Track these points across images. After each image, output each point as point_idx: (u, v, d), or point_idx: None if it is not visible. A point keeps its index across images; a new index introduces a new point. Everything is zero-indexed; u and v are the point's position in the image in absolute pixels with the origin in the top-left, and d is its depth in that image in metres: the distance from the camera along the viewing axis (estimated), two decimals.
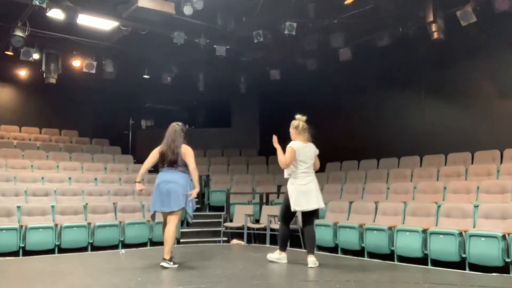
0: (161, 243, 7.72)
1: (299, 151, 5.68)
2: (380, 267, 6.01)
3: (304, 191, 5.68)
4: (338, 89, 11.89)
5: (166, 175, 5.58)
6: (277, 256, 5.99)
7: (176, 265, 5.60)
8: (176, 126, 5.77)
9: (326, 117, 12.37)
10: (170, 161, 5.57)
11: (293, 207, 5.64)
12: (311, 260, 5.56)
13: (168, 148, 5.60)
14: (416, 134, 10.23)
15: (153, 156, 5.69)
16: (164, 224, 5.70)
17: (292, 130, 5.87)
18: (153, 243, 8.79)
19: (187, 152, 5.62)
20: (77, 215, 8.87)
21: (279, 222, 6.07)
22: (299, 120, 5.87)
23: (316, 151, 5.87)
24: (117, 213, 9.30)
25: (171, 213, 5.58)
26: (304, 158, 5.73)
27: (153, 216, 5.77)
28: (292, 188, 5.72)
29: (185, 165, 5.64)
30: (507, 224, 6.52)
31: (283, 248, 5.98)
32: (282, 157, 5.66)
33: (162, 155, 5.63)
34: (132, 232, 8.71)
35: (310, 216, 5.80)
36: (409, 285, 4.68)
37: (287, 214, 5.85)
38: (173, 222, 5.57)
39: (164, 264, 5.47)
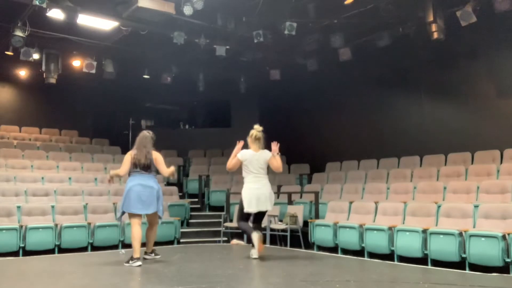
0: (161, 244, 7.75)
1: (247, 160, 6.08)
2: (380, 267, 6.00)
3: (256, 194, 5.99)
4: (338, 89, 11.90)
5: (142, 179, 5.76)
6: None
7: (158, 256, 6.10)
8: (146, 134, 6.00)
9: (326, 117, 12.40)
10: (144, 165, 5.79)
11: (246, 209, 5.98)
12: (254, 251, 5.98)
13: (140, 153, 5.81)
14: (416, 134, 10.23)
15: (128, 163, 5.85)
16: (137, 224, 5.83)
17: (248, 139, 6.25)
18: (153, 243, 8.77)
19: (157, 158, 5.89)
20: (77, 215, 8.87)
21: (238, 223, 6.36)
22: (255, 130, 6.22)
23: (267, 157, 6.14)
24: (117, 213, 9.27)
25: (153, 215, 5.87)
26: (253, 165, 6.08)
27: (120, 216, 6.00)
28: (245, 192, 6.06)
29: (156, 170, 5.92)
30: (507, 224, 6.52)
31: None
32: (229, 161, 6.16)
33: (135, 160, 5.81)
34: None
35: (261, 218, 6.16)
36: (409, 285, 4.68)
37: (242, 215, 6.13)
38: (155, 224, 6.01)
39: (146, 257, 5.99)
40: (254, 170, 6.08)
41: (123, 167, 5.86)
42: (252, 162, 6.08)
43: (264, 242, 9.04)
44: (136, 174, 5.80)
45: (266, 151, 6.17)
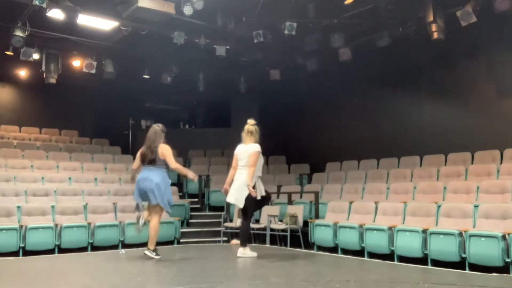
0: (160, 244, 7.78)
1: (238, 154, 6.27)
2: (380, 267, 6.00)
3: (233, 185, 6.18)
4: (338, 89, 11.90)
5: (145, 173, 6.08)
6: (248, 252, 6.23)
7: (157, 256, 6.05)
8: (156, 128, 6.27)
9: (326, 117, 12.40)
10: (150, 160, 6.06)
11: None
12: (239, 250, 6.14)
13: (148, 148, 6.12)
14: (416, 134, 10.23)
15: (138, 158, 6.27)
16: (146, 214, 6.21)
17: (242, 134, 6.36)
18: None
19: (164, 151, 6.07)
20: (77, 215, 8.87)
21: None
22: (248, 124, 6.33)
23: (250, 151, 6.12)
24: (117, 213, 9.30)
25: (154, 207, 6.07)
26: (242, 158, 6.18)
27: (137, 206, 6.24)
28: None
29: (164, 163, 6.10)
30: (507, 224, 6.52)
31: (244, 244, 6.27)
32: None
33: (143, 155, 6.14)
34: (132, 232, 8.65)
35: (243, 211, 6.23)
36: (409, 285, 4.68)
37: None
38: (155, 216, 6.09)
39: (146, 252, 6.06)
40: (241, 163, 6.17)
41: (134, 162, 6.35)
42: (241, 156, 6.19)
43: (264, 242, 9.12)
44: (144, 168, 6.11)
45: (253, 146, 6.15)
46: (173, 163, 6.06)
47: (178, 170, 6.25)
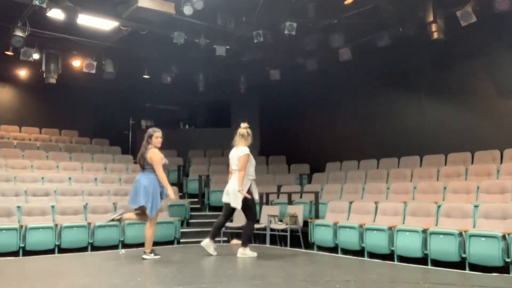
0: (160, 244, 7.79)
1: (230, 157, 6.38)
2: (380, 267, 6.00)
3: (228, 184, 6.28)
4: (338, 89, 11.90)
5: (138, 176, 6.20)
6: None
7: (157, 256, 6.13)
8: (148, 132, 6.34)
9: (326, 117, 12.40)
10: (140, 164, 6.21)
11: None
12: (239, 251, 6.21)
13: (139, 153, 6.26)
14: (416, 134, 10.23)
15: None
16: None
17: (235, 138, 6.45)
18: (153, 243, 8.76)
19: (152, 157, 6.08)
20: (77, 215, 8.87)
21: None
22: (240, 128, 6.37)
23: (239, 155, 6.19)
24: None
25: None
26: (233, 161, 6.28)
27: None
28: None
29: (152, 168, 6.09)
30: (507, 224, 6.52)
31: (212, 237, 6.45)
32: None
33: (137, 160, 6.32)
34: (132, 232, 8.70)
35: (244, 213, 6.28)
36: (409, 285, 4.67)
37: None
38: (149, 220, 6.11)
39: (144, 256, 6.09)
40: (234, 167, 6.24)
41: None
42: (233, 160, 6.27)
43: (264, 242, 9.12)
44: (140, 172, 6.24)
45: (242, 149, 6.19)
46: (158, 171, 6.05)
47: (161, 179, 6.06)
